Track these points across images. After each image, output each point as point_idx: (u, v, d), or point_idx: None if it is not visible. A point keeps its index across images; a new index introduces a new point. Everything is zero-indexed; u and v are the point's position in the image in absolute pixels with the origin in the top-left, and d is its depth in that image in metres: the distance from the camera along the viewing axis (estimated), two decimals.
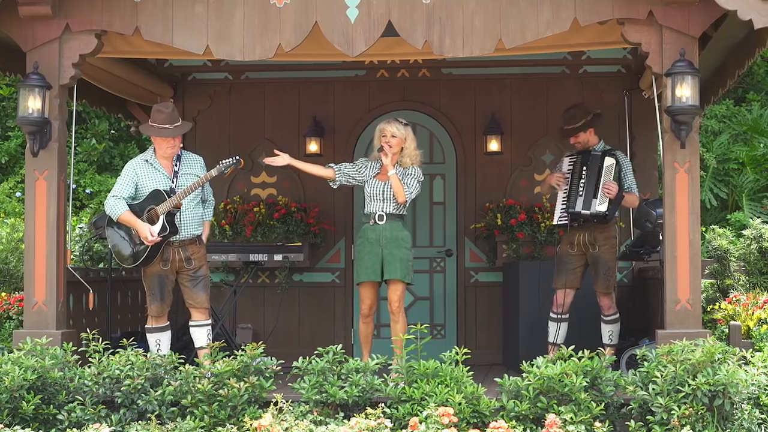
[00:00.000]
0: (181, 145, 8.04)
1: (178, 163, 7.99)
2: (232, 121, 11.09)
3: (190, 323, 8.01)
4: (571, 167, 8.76)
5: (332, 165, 8.42)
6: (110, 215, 7.93)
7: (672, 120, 7.45)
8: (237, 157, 7.98)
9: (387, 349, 7.94)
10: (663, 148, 7.60)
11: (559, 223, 8.75)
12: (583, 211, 8.55)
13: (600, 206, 8.55)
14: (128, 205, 7.86)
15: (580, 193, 8.59)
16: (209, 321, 8.01)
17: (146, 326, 8.03)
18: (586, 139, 8.77)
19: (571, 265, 8.68)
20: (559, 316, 8.72)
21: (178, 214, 7.86)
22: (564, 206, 8.68)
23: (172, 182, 7.92)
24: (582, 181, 8.60)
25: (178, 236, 7.87)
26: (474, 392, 6.80)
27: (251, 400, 6.94)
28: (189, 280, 7.95)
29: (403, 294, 8.13)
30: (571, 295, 8.73)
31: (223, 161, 7.99)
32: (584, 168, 8.62)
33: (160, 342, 7.97)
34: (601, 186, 8.55)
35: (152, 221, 7.79)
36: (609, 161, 8.63)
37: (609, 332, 8.73)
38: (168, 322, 8.05)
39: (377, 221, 8.17)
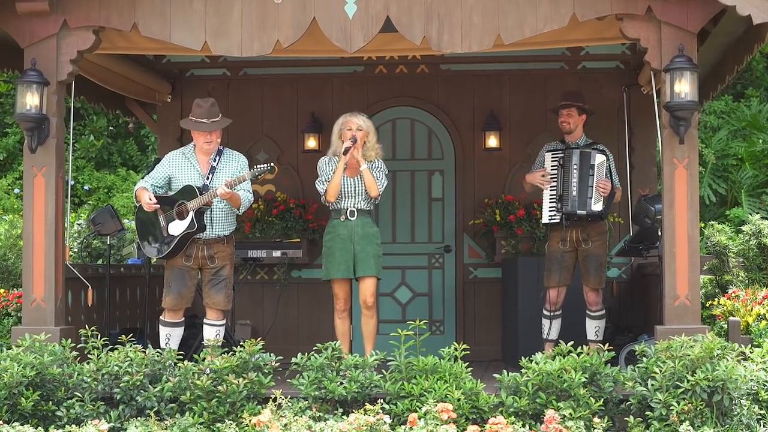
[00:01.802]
0: (219, 140, 7.98)
1: (217, 159, 7.97)
2: (230, 117, 11.01)
3: (204, 320, 8.01)
4: (555, 163, 8.71)
5: (320, 191, 8.23)
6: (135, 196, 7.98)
7: (671, 116, 7.44)
8: (272, 164, 7.89)
9: (387, 345, 7.93)
10: (662, 144, 7.60)
11: (550, 222, 8.71)
12: (579, 212, 8.52)
13: (596, 206, 8.53)
14: (160, 196, 7.85)
15: (574, 192, 8.55)
16: (222, 322, 7.96)
17: (160, 318, 8.02)
18: (576, 124, 8.75)
19: (564, 262, 8.65)
20: (552, 313, 8.72)
21: (207, 211, 7.86)
22: (554, 205, 8.63)
23: (207, 179, 7.89)
24: (574, 180, 8.57)
25: (203, 234, 7.87)
26: (473, 388, 6.80)
27: (250, 397, 6.94)
28: (209, 279, 7.92)
29: (376, 289, 8.15)
30: (564, 291, 8.72)
31: (258, 167, 7.86)
32: (575, 166, 8.58)
33: (169, 336, 7.93)
34: (595, 185, 8.54)
35: (182, 216, 7.80)
36: (600, 158, 8.61)
37: (596, 328, 8.70)
38: (182, 319, 7.99)
39: (348, 217, 8.14)
